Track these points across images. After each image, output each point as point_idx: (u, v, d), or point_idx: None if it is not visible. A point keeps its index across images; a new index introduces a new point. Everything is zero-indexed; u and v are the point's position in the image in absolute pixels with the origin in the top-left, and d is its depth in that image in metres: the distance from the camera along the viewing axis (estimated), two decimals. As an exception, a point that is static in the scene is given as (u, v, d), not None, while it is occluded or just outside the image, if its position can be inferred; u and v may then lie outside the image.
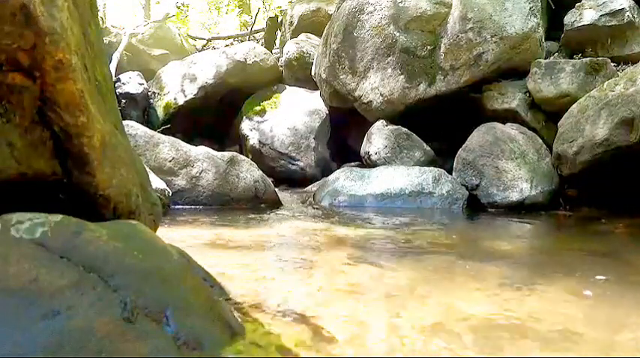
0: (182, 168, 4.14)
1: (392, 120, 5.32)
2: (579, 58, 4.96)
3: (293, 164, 5.90)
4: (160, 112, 6.72)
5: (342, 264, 2.31)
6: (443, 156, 5.14)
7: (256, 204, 4.27)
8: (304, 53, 6.83)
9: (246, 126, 6.23)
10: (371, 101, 5.45)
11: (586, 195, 4.26)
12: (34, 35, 1.06)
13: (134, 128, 4.18)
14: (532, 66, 4.80)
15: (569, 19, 5.22)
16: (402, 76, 5.29)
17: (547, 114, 4.78)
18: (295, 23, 7.71)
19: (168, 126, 6.36)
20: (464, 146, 4.67)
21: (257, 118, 6.25)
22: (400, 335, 1.42)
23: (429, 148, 5.11)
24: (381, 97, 5.38)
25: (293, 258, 2.49)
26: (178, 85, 6.74)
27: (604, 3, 5.08)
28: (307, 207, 4.48)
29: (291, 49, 6.90)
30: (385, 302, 1.75)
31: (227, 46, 8.66)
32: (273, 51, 7.96)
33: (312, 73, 6.41)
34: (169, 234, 2.72)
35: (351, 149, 6.02)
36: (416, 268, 2.27)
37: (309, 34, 7.31)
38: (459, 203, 4.36)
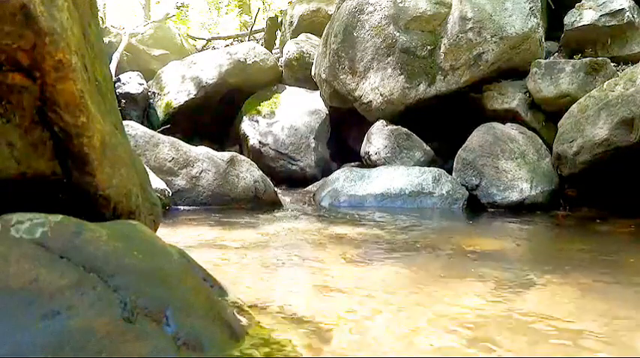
0: (182, 168, 4.14)
1: (392, 120, 5.32)
2: (579, 58, 4.96)
3: (293, 164, 5.90)
4: (160, 112, 6.71)
5: (342, 264, 2.32)
6: (443, 156, 5.13)
7: (256, 205, 4.26)
8: (304, 53, 6.83)
9: (246, 126, 6.22)
10: (371, 101, 5.45)
11: (586, 195, 4.26)
12: (34, 35, 1.05)
13: (134, 128, 4.18)
14: (532, 66, 4.80)
15: (569, 19, 5.22)
16: (402, 76, 5.29)
17: (547, 114, 4.78)
18: (295, 23, 7.70)
19: (168, 126, 6.36)
20: (464, 146, 4.67)
21: (257, 118, 6.25)
22: (401, 335, 1.42)
23: (429, 148, 5.11)
24: (381, 97, 5.38)
25: (293, 258, 2.49)
26: (178, 84, 6.73)
27: (604, 3, 5.08)
28: (307, 208, 4.48)
29: (291, 49, 6.90)
30: (385, 302, 1.75)
31: (227, 46, 8.65)
32: (273, 51, 7.95)
33: (312, 73, 6.41)
34: (169, 234, 2.72)
35: (351, 149, 6.02)
36: (414, 268, 2.27)
37: (309, 34, 7.30)
38: (459, 203, 4.36)
